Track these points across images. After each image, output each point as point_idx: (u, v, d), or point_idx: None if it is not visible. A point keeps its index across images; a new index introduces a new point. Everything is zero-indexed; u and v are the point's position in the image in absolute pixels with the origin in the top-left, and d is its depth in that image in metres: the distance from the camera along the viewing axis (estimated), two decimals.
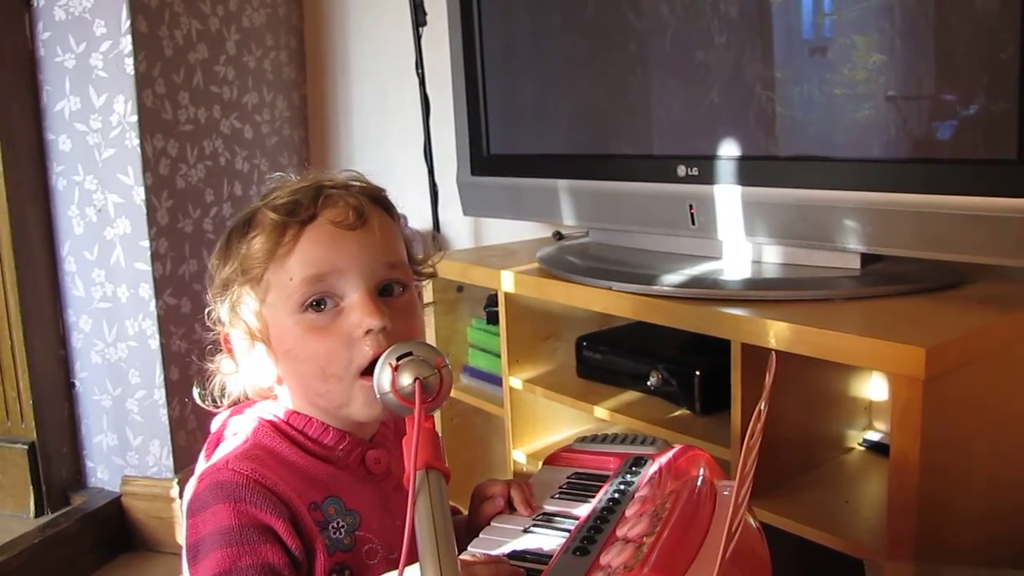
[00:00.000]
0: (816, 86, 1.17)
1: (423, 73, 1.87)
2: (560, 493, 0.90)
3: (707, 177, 1.27)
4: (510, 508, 0.88)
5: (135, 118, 1.84)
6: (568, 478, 0.94)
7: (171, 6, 1.91)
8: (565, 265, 1.41)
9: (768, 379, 0.78)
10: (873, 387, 1.29)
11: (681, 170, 1.30)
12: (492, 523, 0.86)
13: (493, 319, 1.59)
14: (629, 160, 1.41)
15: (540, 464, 1.02)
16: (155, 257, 1.90)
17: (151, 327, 1.91)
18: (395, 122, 2.16)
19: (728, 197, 1.26)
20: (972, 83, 1.02)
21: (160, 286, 1.91)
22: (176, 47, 1.93)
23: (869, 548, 1.00)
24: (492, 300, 1.58)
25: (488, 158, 1.61)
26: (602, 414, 1.35)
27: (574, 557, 0.71)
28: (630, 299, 1.24)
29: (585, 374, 1.46)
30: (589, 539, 0.74)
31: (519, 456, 1.52)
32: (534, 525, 0.84)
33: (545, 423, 1.53)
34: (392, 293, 0.82)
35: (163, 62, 1.90)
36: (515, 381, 1.49)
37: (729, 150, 1.26)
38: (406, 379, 0.73)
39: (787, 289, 1.17)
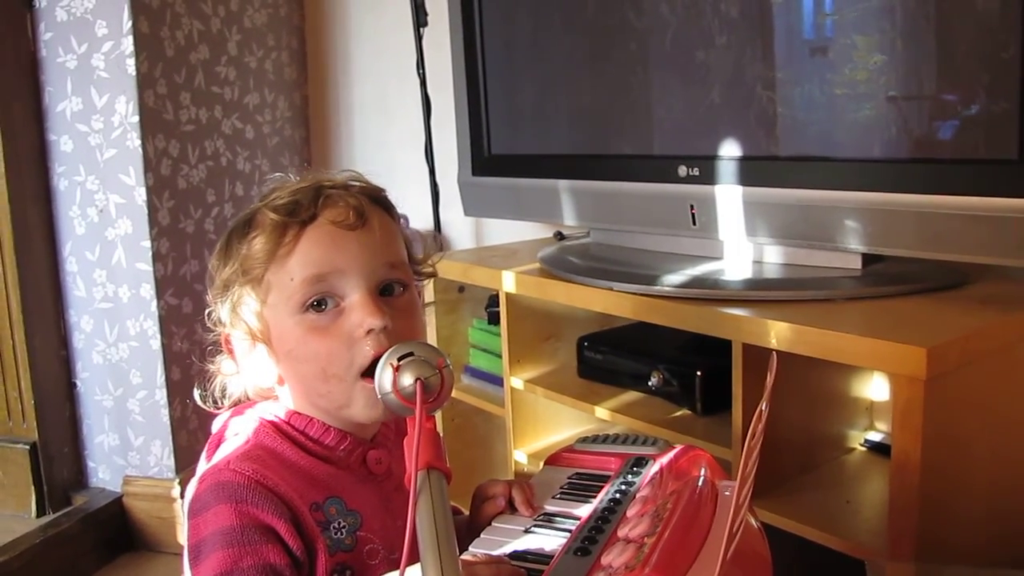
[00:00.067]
0: (817, 86, 1.17)
1: (424, 73, 1.87)
2: (561, 493, 0.90)
3: (708, 177, 1.27)
4: (511, 508, 0.88)
5: (136, 119, 1.84)
6: (569, 478, 0.94)
7: (172, 7, 1.91)
8: (566, 265, 1.41)
9: (769, 379, 0.78)
10: (874, 387, 1.29)
11: (682, 170, 1.30)
12: (493, 523, 0.86)
13: (494, 319, 1.59)
14: (630, 160, 1.41)
15: (541, 464, 1.02)
16: (156, 257, 1.90)
17: (152, 327, 1.92)
18: (396, 122, 2.16)
19: (729, 197, 1.26)
20: (973, 83, 1.02)
21: (161, 286, 1.91)
22: (177, 48, 1.93)
23: (870, 548, 1.00)
24: (493, 300, 1.59)
25: (489, 158, 1.61)
26: (603, 414, 1.35)
27: (575, 557, 0.71)
28: (631, 299, 1.24)
29: (586, 374, 1.46)
30: (590, 539, 0.74)
31: (520, 456, 1.52)
32: (535, 525, 0.84)
33: (546, 423, 1.53)
34: (392, 293, 0.82)
35: (164, 63, 1.90)
36: (516, 381, 1.49)
37: (730, 150, 1.26)
38: (407, 379, 0.73)
39: (788, 289, 1.17)
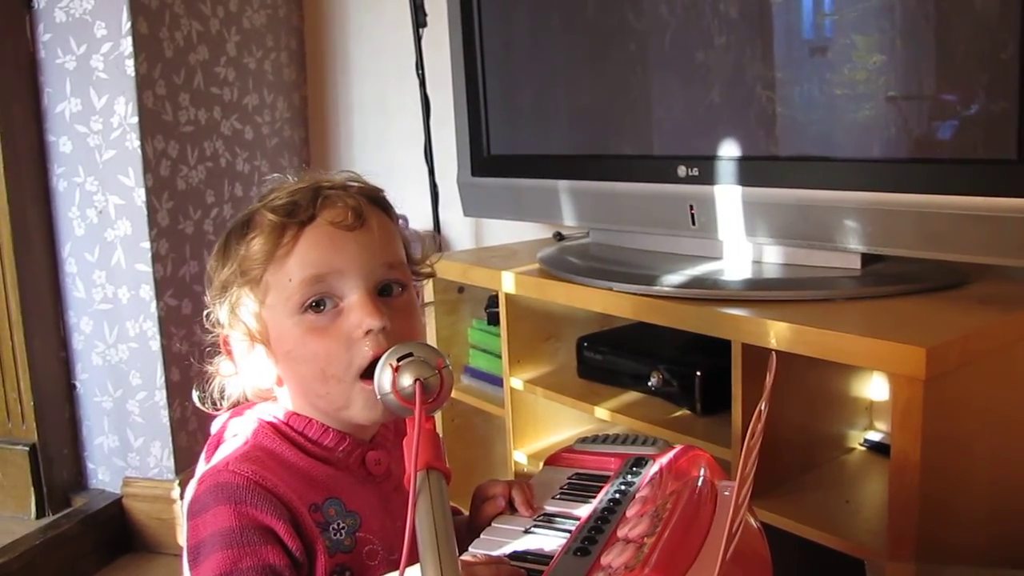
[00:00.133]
0: (816, 86, 1.17)
1: (423, 74, 1.87)
2: (561, 494, 0.90)
3: (707, 177, 1.27)
4: (511, 509, 0.88)
5: (136, 119, 1.84)
6: (569, 479, 0.94)
7: (171, 8, 1.91)
8: (566, 266, 1.41)
9: (769, 379, 0.78)
10: (874, 387, 1.29)
11: (681, 170, 1.30)
12: (493, 524, 0.85)
13: (494, 320, 1.59)
14: (629, 160, 1.41)
15: (541, 465, 1.02)
16: (156, 258, 1.90)
17: (152, 328, 1.92)
18: (395, 123, 2.16)
19: (728, 197, 1.26)
20: (972, 83, 1.02)
21: (161, 287, 1.91)
22: (176, 48, 1.93)
23: (870, 548, 1.00)
24: (493, 301, 1.58)
25: (488, 159, 1.61)
26: (603, 415, 1.35)
27: (575, 558, 0.71)
28: (631, 299, 1.24)
29: (586, 375, 1.46)
30: (590, 539, 0.74)
31: (520, 457, 1.52)
32: (535, 526, 0.84)
33: (546, 424, 1.53)
34: (391, 293, 0.82)
35: (163, 63, 1.90)
36: (516, 382, 1.49)
37: (729, 150, 1.26)
38: (407, 380, 0.73)
39: (788, 289, 1.17)
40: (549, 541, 0.79)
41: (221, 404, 0.87)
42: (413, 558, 0.62)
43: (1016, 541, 1.07)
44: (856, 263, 1.20)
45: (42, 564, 1.82)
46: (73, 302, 1.96)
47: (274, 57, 2.24)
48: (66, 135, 1.89)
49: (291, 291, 0.78)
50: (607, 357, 1.42)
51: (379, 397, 0.75)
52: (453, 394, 1.39)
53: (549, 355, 1.52)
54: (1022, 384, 1.06)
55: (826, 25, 1.17)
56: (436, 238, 1.92)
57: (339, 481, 0.81)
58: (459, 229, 2.04)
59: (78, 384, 2.01)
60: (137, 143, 1.84)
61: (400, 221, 0.89)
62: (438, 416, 1.54)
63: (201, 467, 0.81)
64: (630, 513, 0.78)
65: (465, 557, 0.75)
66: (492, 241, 1.97)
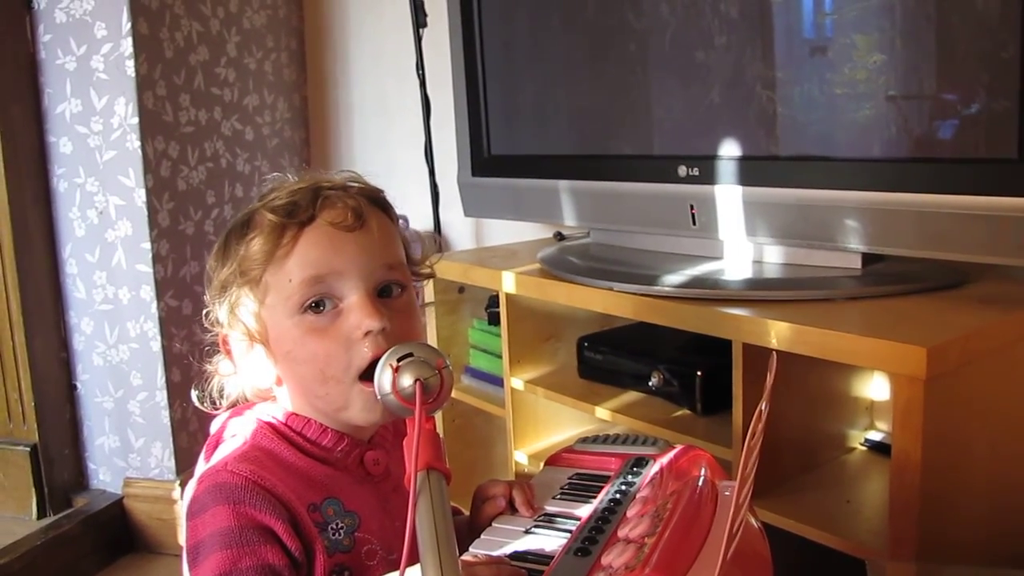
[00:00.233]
0: (816, 86, 1.17)
1: (423, 74, 1.87)
2: (561, 494, 0.90)
3: (708, 177, 1.27)
4: (511, 509, 0.88)
5: (136, 120, 1.84)
6: (569, 479, 0.94)
7: (172, 8, 1.91)
8: (566, 266, 1.41)
9: (769, 379, 0.78)
10: (874, 387, 1.29)
11: (682, 170, 1.30)
12: (493, 524, 0.85)
13: (494, 320, 1.59)
14: (630, 160, 1.41)
15: (541, 465, 1.02)
16: (156, 259, 1.90)
17: (152, 329, 1.92)
18: (396, 123, 2.16)
19: (729, 197, 1.26)
20: (973, 82, 1.02)
21: (161, 288, 1.91)
22: (177, 49, 1.94)
23: (871, 548, 1.00)
24: (493, 301, 1.58)
25: (489, 159, 1.61)
26: (603, 415, 1.35)
27: (575, 558, 0.71)
28: (631, 299, 1.24)
29: (586, 375, 1.46)
30: (590, 540, 0.74)
31: (520, 457, 1.52)
32: (535, 526, 0.84)
33: (546, 424, 1.53)
34: (391, 294, 0.82)
35: (164, 64, 1.90)
36: (516, 382, 1.49)
37: (730, 150, 1.26)
38: (407, 380, 0.73)
39: (788, 289, 1.17)
40: (550, 541, 0.79)
41: (220, 404, 0.87)
42: (413, 558, 0.62)
43: (1017, 540, 1.07)
44: (856, 263, 1.20)
45: (43, 564, 1.82)
46: (74, 303, 1.96)
47: (274, 58, 2.24)
48: (66, 136, 1.89)
49: (290, 291, 0.78)
50: (607, 357, 1.42)
51: (379, 397, 0.75)
52: (453, 394, 1.39)
53: (549, 355, 1.52)
54: (1022, 384, 1.06)
55: (826, 25, 1.17)
56: (436, 238, 1.92)
57: (338, 481, 0.81)
58: (459, 229, 2.04)
59: (79, 385, 2.01)
60: (137, 144, 1.84)
61: (400, 221, 0.89)
62: (438, 416, 1.55)
63: (200, 467, 0.81)
64: (631, 513, 0.78)
65: (465, 557, 0.75)
66: (492, 241, 1.97)
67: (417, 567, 0.61)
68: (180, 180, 1.96)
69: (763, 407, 0.70)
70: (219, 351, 0.86)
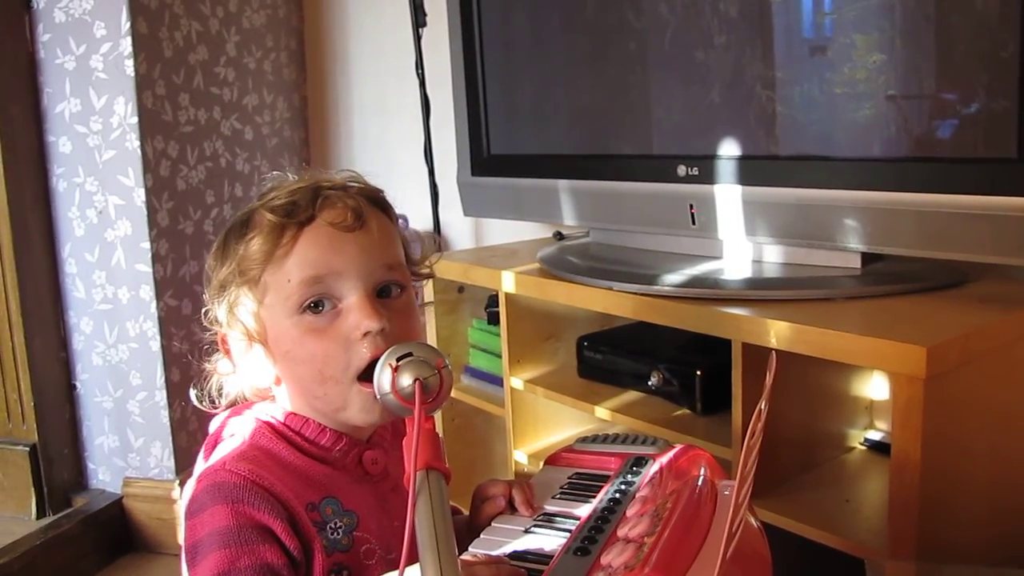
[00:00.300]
0: (816, 85, 1.17)
1: (423, 73, 1.87)
2: (561, 493, 0.90)
3: (707, 177, 1.27)
4: (511, 508, 0.88)
5: (135, 120, 1.84)
6: (569, 478, 0.93)
7: (171, 8, 1.91)
8: (566, 265, 1.41)
9: (769, 378, 0.78)
10: (874, 386, 1.29)
11: (681, 170, 1.30)
12: (493, 523, 0.85)
13: (494, 319, 1.59)
14: (629, 160, 1.41)
15: (541, 464, 1.02)
16: (156, 259, 1.90)
17: (152, 329, 1.92)
18: (395, 123, 2.16)
19: (728, 197, 1.25)
20: (972, 82, 1.02)
21: (161, 288, 1.91)
22: (176, 48, 1.93)
23: (870, 547, 1.00)
24: (493, 300, 1.58)
25: (488, 158, 1.61)
26: (603, 414, 1.35)
27: (575, 557, 0.71)
28: (631, 299, 1.24)
29: (586, 374, 1.46)
30: (590, 539, 0.74)
31: (520, 456, 1.52)
32: (535, 525, 0.84)
33: (546, 423, 1.53)
34: (390, 295, 0.82)
35: (163, 64, 1.90)
36: (516, 381, 1.49)
37: (729, 150, 1.26)
38: (406, 380, 0.73)
39: (788, 288, 1.17)
40: (549, 541, 0.79)
41: (219, 403, 0.87)
42: (412, 558, 0.62)
43: (1016, 540, 1.07)
44: (856, 262, 1.20)
45: (43, 564, 1.82)
46: (73, 302, 1.96)
47: (274, 57, 2.24)
48: (66, 135, 1.89)
49: (290, 291, 0.78)
50: (607, 357, 1.42)
51: (379, 397, 0.75)
52: (453, 394, 1.39)
53: (549, 355, 1.52)
54: (1022, 383, 1.06)
55: (826, 24, 1.17)
56: (436, 238, 1.92)
57: (336, 480, 0.81)
58: (459, 229, 2.04)
59: (78, 384, 2.01)
60: (137, 143, 1.84)
61: (400, 221, 0.89)
62: (438, 416, 1.55)
63: (199, 466, 0.81)
64: (630, 513, 0.78)
65: (465, 557, 0.75)
66: (492, 241, 1.97)
67: (416, 566, 0.61)
68: (179, 180, 1.96)
69: (763, 406, 0.70)
70: (218, 350, 0.86)
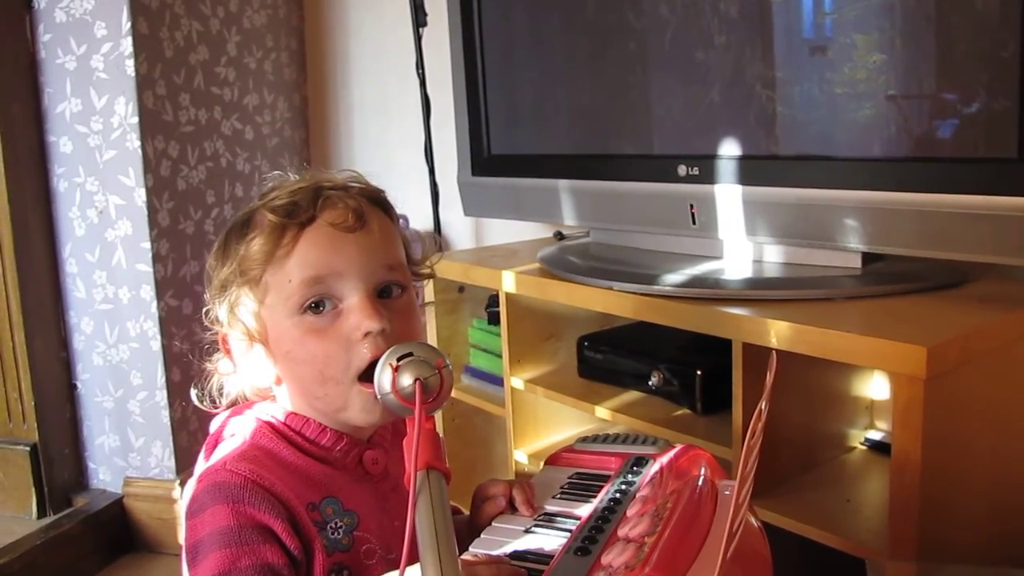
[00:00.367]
0: (816, 85, 1.17)
1: (423, 73, 1.87)
2: (561, 493, 0.90)
3: (708, 177, 1.27)
4: (511, 508, 0.88)
5: (136, 120, 1.84)
6: (569, 478, 0.94)
7: (172, 8, 1.91)
8: (566, 265, 1.41)
9: (769, 378, 0.78)
10: (874, 386, 1.29)
11: (682, 170, 1.30)
12: (493, 523, 0.85)
13: (494, 319, 1.59)
14: (630, 160, 1.41)
15: (541, 464, 1.02)
16: (156, 258, 1.90)
17: (152, 328, 1.92)
18: (396, 122, 2.16)
19: (729, 196, 1.26)
20: (972, 82, 1.02)
21: (161, 287, 1.91)
22: (177, 48, 1.94)
23: (871, 547, 1.00)
24: (493, 300, 1.58)
25: (489, 158, 1.61)
26: (603, 414, 1.35)
27: (575, 557, 0.71)
28: (631, 299, 1.24)
29: (586, 374, 1.46)
30: (590, 539, 0.74)
31: (520, 456, 1.52)
32: (535, 525, 0.84)
33: (546, 423, 1.53)
34: (391, 295, 0.82)
35: (164, 63, 1.90)
36: (516, 381, 1.49)
37: (730, 149, 1.26)
38: (406, 379, 0.73)
39: (788, 288, 1.17)
40: (549, 541, 0.79)
41: (220, 403, 0.87)
42: (413, 557, 0.62)
43: (1017, 540, 1.07)
44: (856, 262, 1.20)
45: (43, 564, 1.82)
46: (74, 302, 1.96)
47: (274, 57, 2.24)
48: (66, 135, 1.89)
49: (290, 292, 0.78)
50: (608, 356, 1.42)
51: (379, 397, 0.75)
52: (453, 394, 1.39)
53: (549, 355, 1.52)
54: (1022, 383, 1.06)
55: (826, 24, 1.17)
56: (436, 238, 1.92)
57: (336, 480, 0.81)
58: (459, 229, 2.04)
59: (79, 384, 2.01)
60: (137, 143, 1.84)
61: (400, 221, 0.89)
62: (438, 416, 1.55)
63: (200, 466, 0.81)
64: (630, 512, 0.78)
65: (465, 557, 0.75)
66: (492, 241, 1.97)
67: (417, 566, 0.61)
68: (180, 179, 1.96)
69: (763, 406, 0.70)
70: (219, 350, 0.86)
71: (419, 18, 1.84)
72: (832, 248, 1.19)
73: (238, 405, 0.87)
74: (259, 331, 0.81)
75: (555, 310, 1.50)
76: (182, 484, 1.94)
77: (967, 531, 1.01)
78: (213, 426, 0.87)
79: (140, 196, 1.87)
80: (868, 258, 1.19)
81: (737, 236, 1.28)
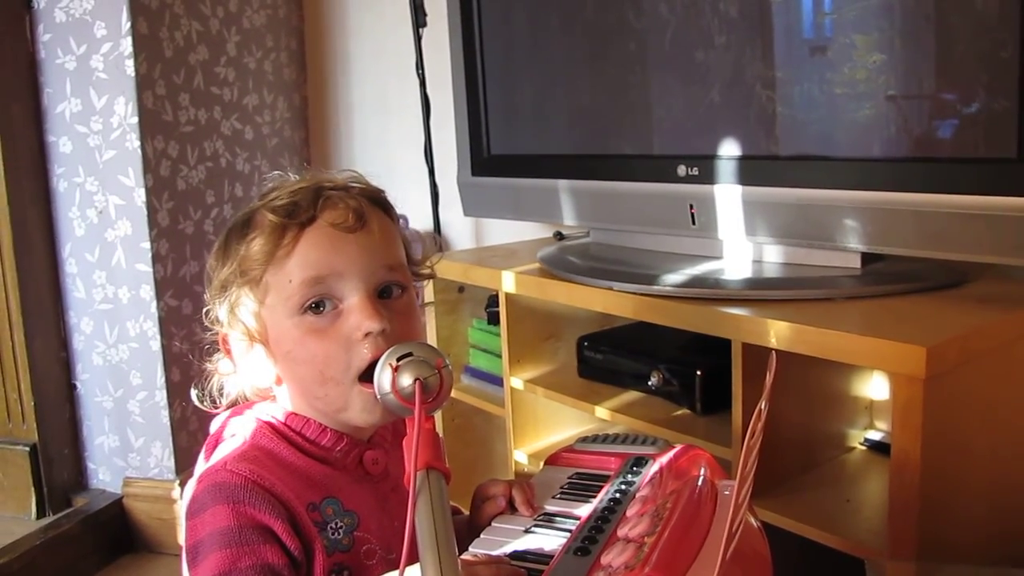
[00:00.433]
0: (816, 85, 1.17)
1: (423, 73, 1.87)
2: (561, 493, 0.90)
3: (707, 177, 1.27)
4: (511, 508, 0.88)
5: (136, 120, 1.84)
6: (569, 478, 0.94)
7: (171, 8, 1.91)
8: (566, 265, 1.41)
9: (769, 378, 0.78)
10: (874, 386, 1.29)
11: (681, 170, 1.30)
12: (493, 523, 0.86)
13: (494, 319, 1.59)
14: (629, 160, 1.41)
15: (541, 464, 1.02)
16: (156, 258, 1.90)
17: (152, 328, 1.92)
18: (395, 123, 2.16)
19: (728, 197, 1.26)
20: (972, 82, 1.02)
21: (161, 287, 1.91)
22: (176, 48, 1.94)
23: (870, 547, 1.00)
24: (493, 300, 1.58)
25: (489, 158, 1.61)
26: (603, 414, 1.35)
27: (575, 557, 0.71)
28: (631, 299, 1.24)
29: (586, 374, 1.46)
30: (590, 539, 0.74)
31: (520, 456, 1.52)
32: (535, 525, 0.84)
33: (546, 423, 1.53)
34: (391, 295, 0.82)
35: (163, 63, 1.90)
36: (516, 381, 1.49)
37: (729, 150, 1.26)
38: (406, 379, 0.73)
39: (788, 288, 1.17)
40: (549, 541, 0.79)
41: (220, 403, 0.87)
42: (413, 557, 0.62)
43: (1016, 539, 1.07)
44: (856, 262, 1.20)
45: (43, 564, 1.82)
46: (73, 302, 1.96)
47: (274, 57, 2.24)
48: (66, 135, 1.89)
49: (291, 292, 0.78)
50: (607, 357, 1.42)
51: (379, 397, 0.75)
52: (453, 394, 1.39)
53: (549, 355, 1.52)
54: (1022, 383, 1.06)
55: (826, 24, 1.17)
56: (436, 239, 1.92)
57: (336, 481, 0.81)
58: (459, 229, 2.04)
59: (78, 384, 2.01)
60: (137, 143, 1.84)
61: (400, 221, 0.89)
62: (438, 416, 1.55)
63: (200, 466, 0.81)
64: (630, 512, 0.78)
65: (465, 557, 0.75)
66: (492, 241, 1.97)
67: (417, 566, 0.61)
68: (180, 179, 1.96)
69: (763, 406, 0.70)
70: (219, 350, 0.86)
71: (419, 18, 1.84)
72: (832, 248, 1.19)
73: (238, 405, 0.87)
74: (259, 331, 0.81)
75: (555, 310, 1.50)
76: (182, 484, 1.94)
77: (967, 531, 1.01)
78: (213, 426, 0.87)
79: (140, 196, 1.87)
80: (868, 258, 1.19)
81: (737, 236, 1.28)
